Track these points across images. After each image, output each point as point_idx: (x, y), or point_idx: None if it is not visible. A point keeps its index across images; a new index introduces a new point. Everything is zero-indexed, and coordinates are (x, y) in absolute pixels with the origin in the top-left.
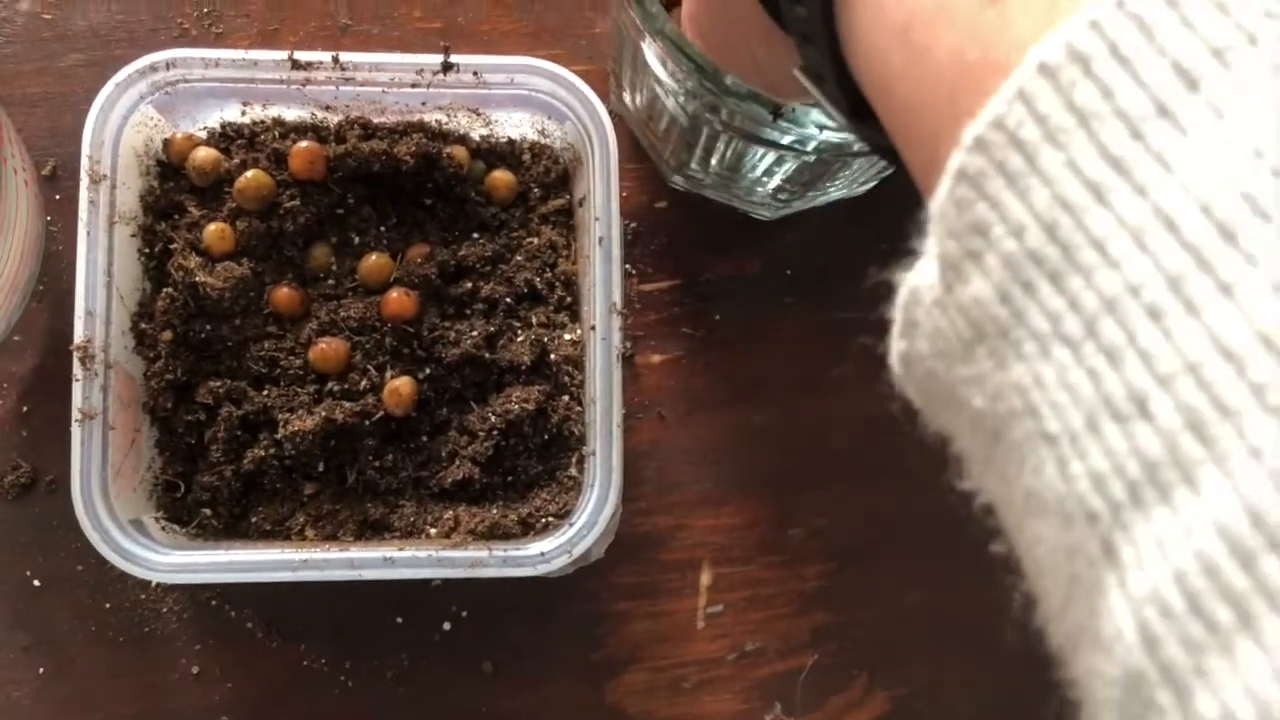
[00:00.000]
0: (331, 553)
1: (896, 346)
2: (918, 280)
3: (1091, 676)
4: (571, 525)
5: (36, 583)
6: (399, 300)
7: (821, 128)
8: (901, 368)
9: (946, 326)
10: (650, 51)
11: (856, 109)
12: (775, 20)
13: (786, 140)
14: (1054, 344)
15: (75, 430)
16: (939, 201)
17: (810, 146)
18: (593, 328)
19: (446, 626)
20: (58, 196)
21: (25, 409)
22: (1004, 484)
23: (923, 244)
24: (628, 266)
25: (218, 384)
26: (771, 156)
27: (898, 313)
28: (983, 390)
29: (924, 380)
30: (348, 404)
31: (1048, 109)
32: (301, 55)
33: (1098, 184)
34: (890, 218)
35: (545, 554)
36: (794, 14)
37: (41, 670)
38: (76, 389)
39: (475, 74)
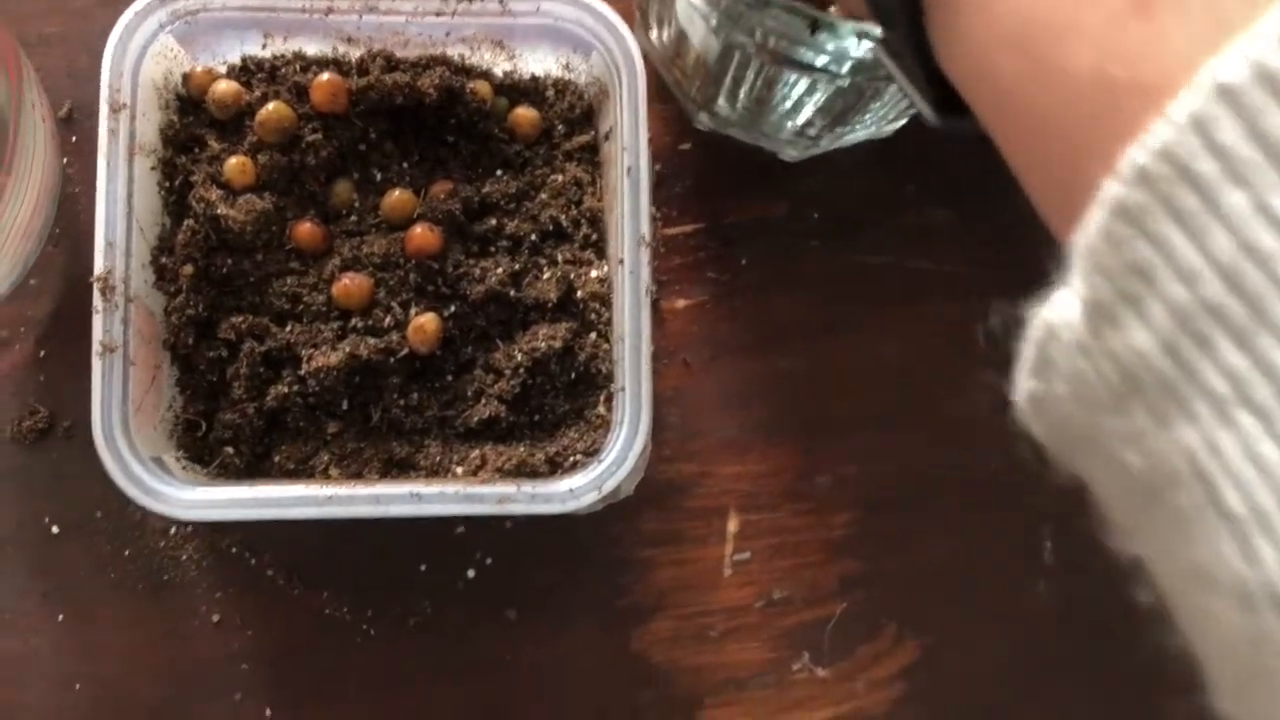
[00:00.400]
0: (357, 489)
1: (1026, 385)
2: (1055, 316)
3: None
4: (600, 462)
5: (55, 529)
6: (423, 235)
7: (861, 36)
8: (1030, 406)
9: (1092, 373)
10: None
11: (942, 98)
12: None
13: (821, 61)
14: (1237, 410)
15: (96, 363)
16: (1088, 236)
17: (845, 68)
18: (620, 262)
19: (470, 574)
20: (74, 138)
21: (42, 353)
22: (1162, 548)
23: (1058, 273)
24: (652, 209)
25: (239, 320)
26: (803, 84)
27: (1028, 348)
28: (1137, 448)
29: (1059, 424)
30: (372, 340)
31: (1229, 139)
32: None
33: None
34: (917, 160)
35: (574, 490)
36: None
37: (61, 618)
38: (97, 321)
39: (500, 2)
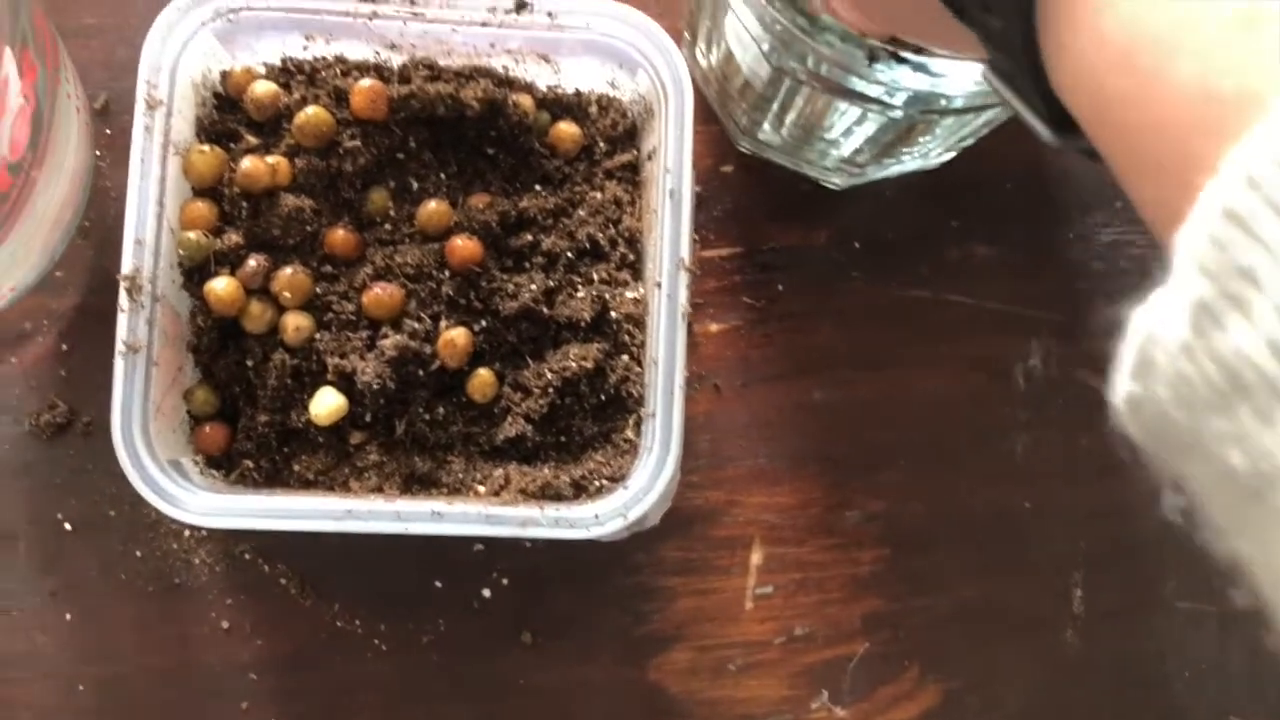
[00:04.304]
0: (377, 504)
1: (1126, 387)
2: (1155, 319)
3: None
4: (627, 488)
5: (67, 526)
6: (465, 246)
7: (919, 69)
8: (1129, 409)
9: (1195, 375)
10: None
11: (1056, 116)
12: (954, 12)
13: (874, 92)
14: None
15: (118, 362)
16: (1192, 238)
17: (898, 99)
18: (658, 284)
19: (486, 593)
20: (108, 131)
21: (65, 347)
22: (1263, 548)
23: (1161, 275)
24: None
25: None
26: (854, 114)
27: (1128, 351)
28: (1241, 448)
29: (1158, 426)
30: (400, 351)
31: None
32: None
33: None
34: (962, 193)
35: (599, 516)
36: (985, 22)
37: (68, 617)
38: (122, 320)
39: (550, 14)
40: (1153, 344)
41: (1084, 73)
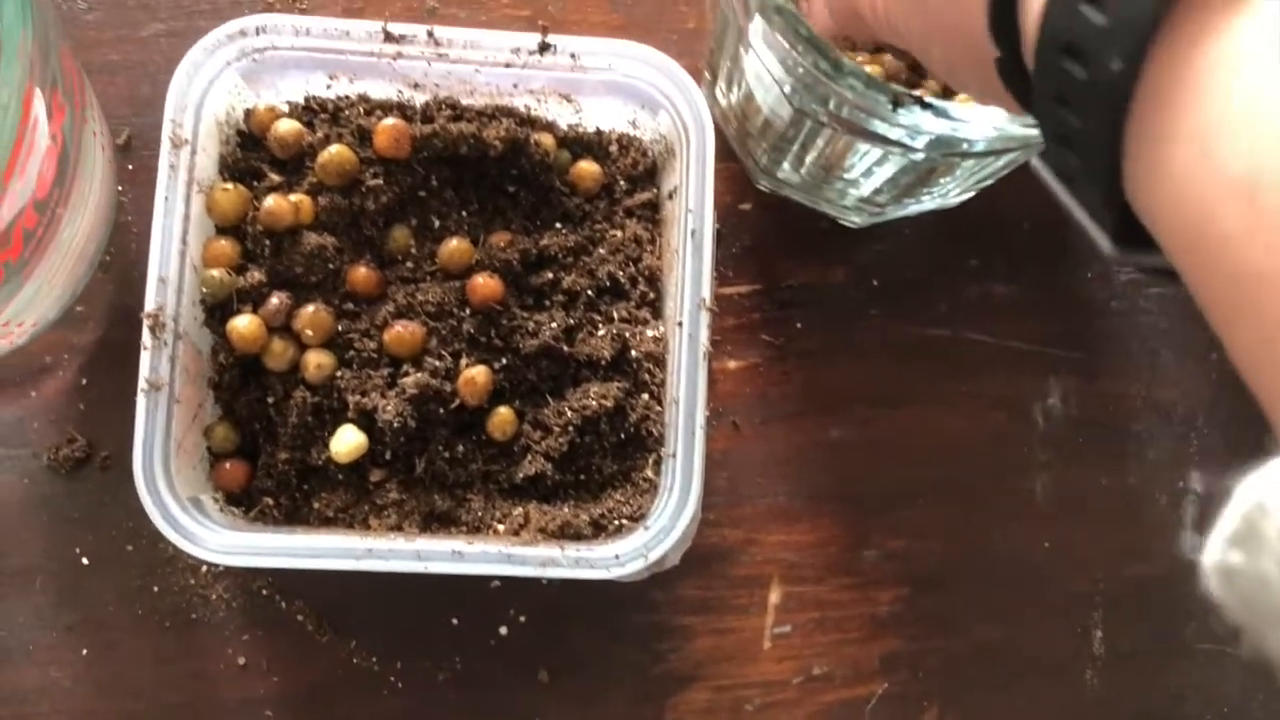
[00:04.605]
0: (398, 543)
1: (1225, 555)
2: (1270, 490)
3: None
4: (648, 529)
5: (85, 560)
6: (486, 284)
7: (941, 114)
8: (1223, 576)
9: None
10: (757, 36)
11: (1121, 230)
12: (1013, 94)
13: (896, 135)
14: None
15: (140, 400)
16: None
17: (920, 143)
18: (679, 324)
19: (503, 631)
20: (130, 166)
21: (84, 381)
22: None
23: (1273, 445)
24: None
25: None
26: (874, 155)
27: (1233, 517)
28: None
29: (1256, 597)
30: (421, 389)
31: None
32: (395, 28)
33: None
34: (980, 232)
35: (620, 557)
36: (1061, 118)
37: (85, 651)
38: (145, 358)
39: (573, 56)
40: (1262, 516)
41: (1186, 200)
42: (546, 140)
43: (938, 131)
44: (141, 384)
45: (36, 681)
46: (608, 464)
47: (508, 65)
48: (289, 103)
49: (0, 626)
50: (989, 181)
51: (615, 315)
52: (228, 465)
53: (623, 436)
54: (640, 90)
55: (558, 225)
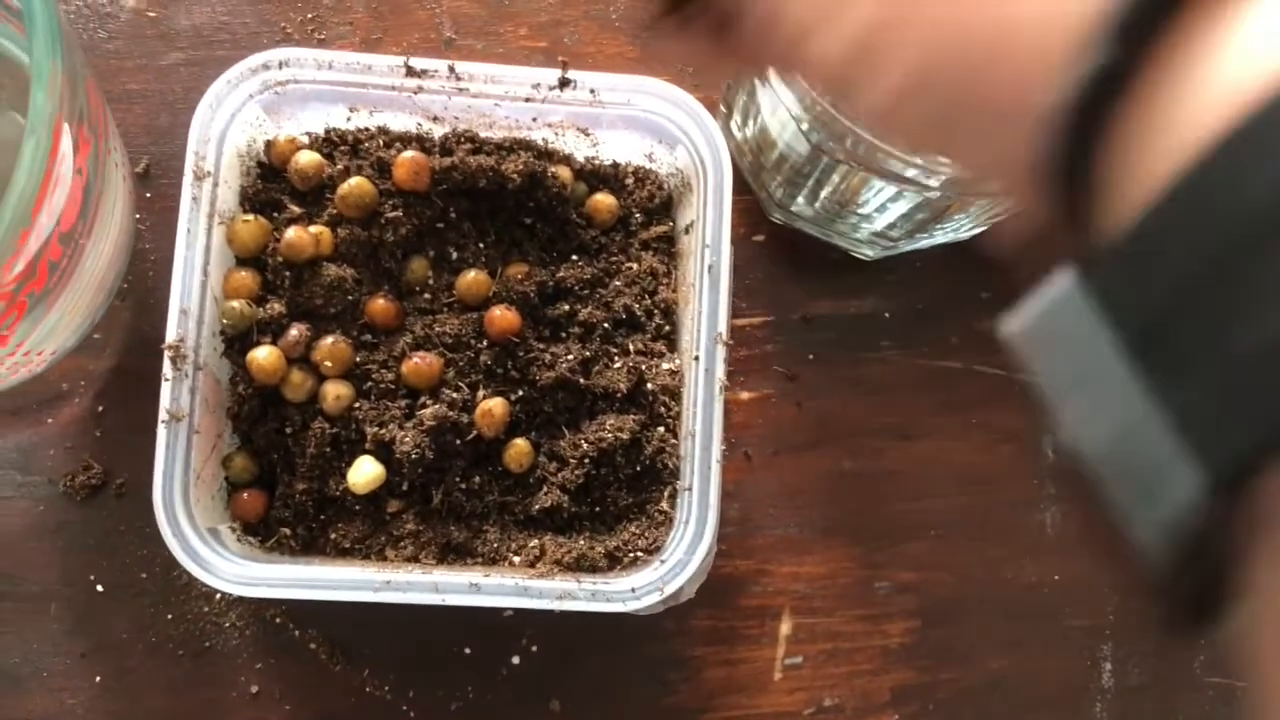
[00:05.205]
0: (415, 574)
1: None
2: None
3: None
4: (664, 562)
5: (99, 588)
6: (504, 317)
7: None
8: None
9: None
10: (775, 73)
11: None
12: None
13: (912, 173)
14: None
15: (161, 431)
16: None
17: (935, 181)
18: (695, 358)
19: (515, 660)
20: (148, 194)
21: (100, 408)
22: None
23: None
24: None
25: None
26: (889, 192)
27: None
28: None
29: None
30: (439, 421)
31: None
32: (417, 62)
33: None
34: (993, 265)
35: (636, 590)
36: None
37: (98, 678)
38: (165, 389)
39: (592, 91)
40: None
41: None
42: (564, 173)
43: (954, 172)
44: (162, 415)
45: (49, 708)
46: (623, 496)
47: (528, 100)
48: (309, 134)
49: (14, 652)
50: (1002, 217)
51: (631, 348)
52: (245, 495)
53: (638, 469)
54: (658, 125)
55: (574, 257)
